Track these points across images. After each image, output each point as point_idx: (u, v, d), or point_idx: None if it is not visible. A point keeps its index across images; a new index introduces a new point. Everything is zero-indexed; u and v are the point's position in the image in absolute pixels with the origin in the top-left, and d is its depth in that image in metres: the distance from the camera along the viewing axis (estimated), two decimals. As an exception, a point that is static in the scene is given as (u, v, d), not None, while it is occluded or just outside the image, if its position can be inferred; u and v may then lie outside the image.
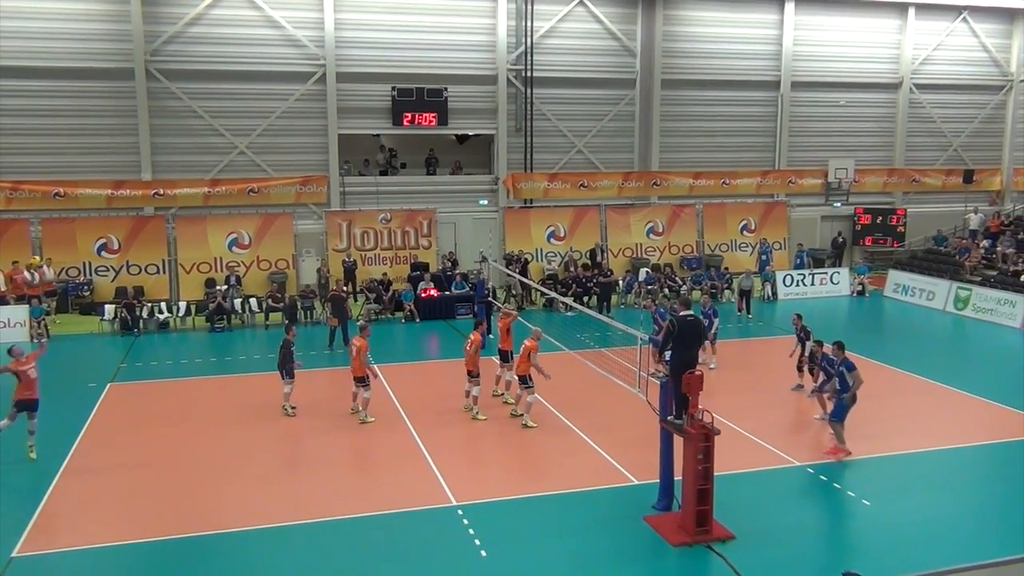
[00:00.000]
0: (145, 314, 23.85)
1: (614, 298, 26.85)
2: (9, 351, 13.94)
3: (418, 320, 24.94)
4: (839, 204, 33.51)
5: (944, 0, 32.66)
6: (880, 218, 33.52)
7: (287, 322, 22.75)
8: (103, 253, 26.25)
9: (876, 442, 14.29)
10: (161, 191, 26.64)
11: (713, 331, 18.85)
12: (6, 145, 25.36)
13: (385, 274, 27.19)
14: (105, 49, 25.69)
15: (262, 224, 27.55)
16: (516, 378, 15.71)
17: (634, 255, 30.81)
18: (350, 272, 27.31)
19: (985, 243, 29.70)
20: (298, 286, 27.06)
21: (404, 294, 25.57)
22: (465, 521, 11.47)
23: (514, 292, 26.85)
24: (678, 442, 11.35)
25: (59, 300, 25.08)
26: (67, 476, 13.13)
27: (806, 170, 32.97)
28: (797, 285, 29.02)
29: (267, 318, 24.39)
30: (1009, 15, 34.12)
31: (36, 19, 24.93)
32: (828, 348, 14.81)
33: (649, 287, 27.18)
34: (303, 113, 27.68)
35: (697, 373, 11.01)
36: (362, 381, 15.34)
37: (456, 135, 30.76)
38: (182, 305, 24.87)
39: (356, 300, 26.48)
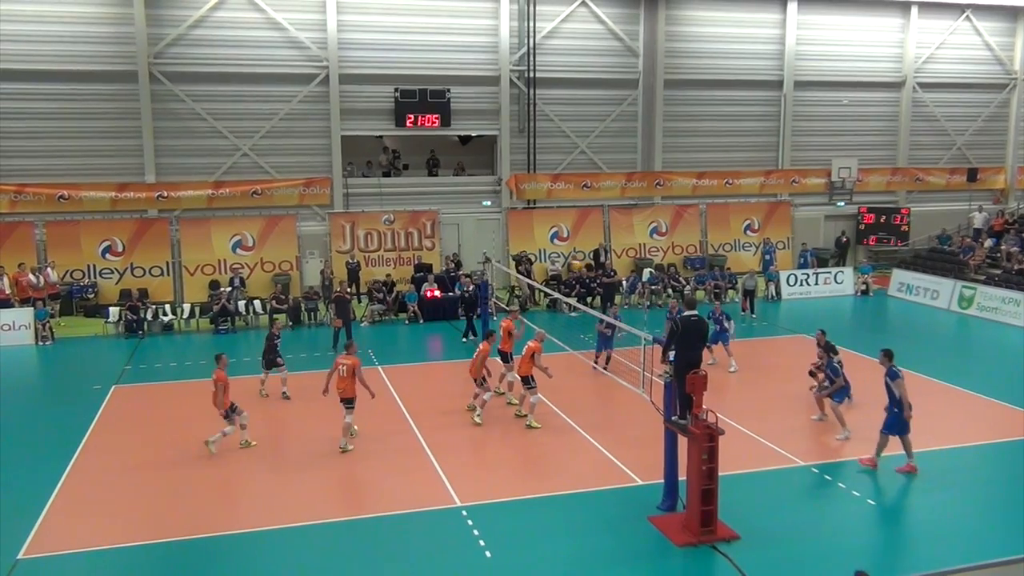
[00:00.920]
0: (149, 316, 23.89)
1: (617, 298, 26.82)
2: None
3: (422, 321, 24.97)
4: (843, 203, 33.46)
5: (947, -1, 32.69)
6: (884, 217, 33.46)
7: (273, 317, 23.38)
8: (107, 255, 26.30)
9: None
10: (165, 193, 26.70)
11: (730, 333, 19.24)
12: (10, 148, 25.43)
13: (389, 275, 27.21)
14: (108, 52, 25.76)
15: (266, 226, 27.59)
16: (519, 379, 15.72)
17: (637, 255, 30.80)
18: (354, 273, 27.34)
19: (989, 242, 29.64)
20: (302, 288, 27.09)
21: (408, 295, 25.60)
22: (470, 522, 11.48)
23: (517, 293, 26.87)
24: (682, 442, 11.35)
25: (64, 302, 25.16)
26: (72, 478, 13.17)
27: (809, 169, 32.93)
28: (801, 285, 28.99)
29: (271, 320, 24.38)
30: (1012, 13, 34.04)
31: (39, 23, 25.00)
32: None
33: (652, 287, 27.18)
34: (306, 115, 27.72)
35: (701, 373, 11.01)
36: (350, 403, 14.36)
37: (459, 136, 30.78)
38: (186, 307, 24.92)
39: (360, 302, 26.53)
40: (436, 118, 28.30)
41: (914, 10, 32.68)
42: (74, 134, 25.93)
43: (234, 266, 26.94)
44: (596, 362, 18.89)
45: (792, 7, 31.34)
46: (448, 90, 28.34)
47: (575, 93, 29.98)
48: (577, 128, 30.31)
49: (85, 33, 25.47)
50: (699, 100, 31.27)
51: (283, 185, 27.73)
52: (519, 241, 29.68)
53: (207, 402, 17.03)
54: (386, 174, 29.94)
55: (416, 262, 28.45)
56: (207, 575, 10.35)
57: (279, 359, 17.14)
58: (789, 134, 32.36)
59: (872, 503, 12.09)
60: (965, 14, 33.38)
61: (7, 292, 23.82)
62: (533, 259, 29.09)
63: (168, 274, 26.80)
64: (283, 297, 24.92)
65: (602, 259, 29.46)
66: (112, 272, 26.31)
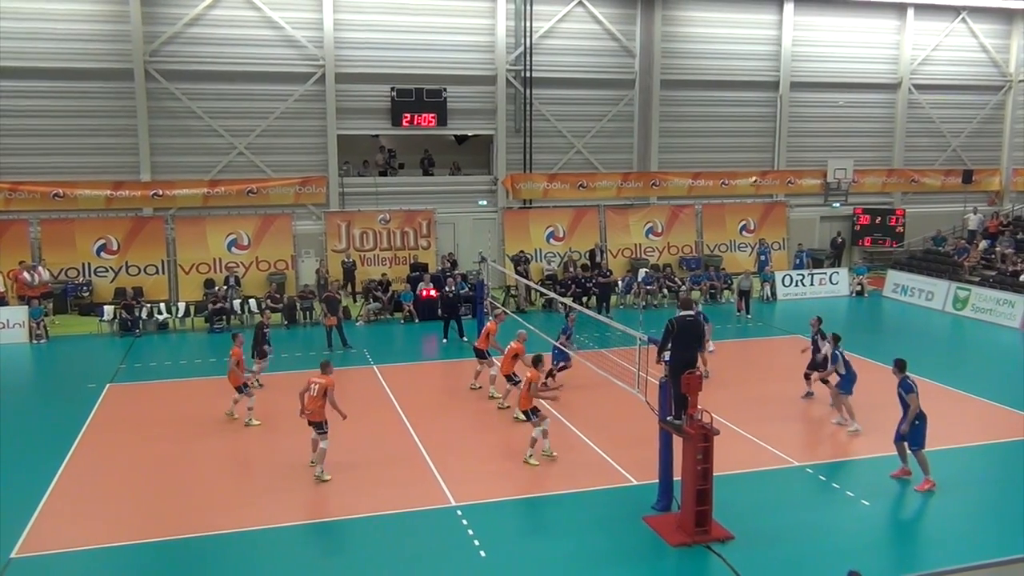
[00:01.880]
0: (144, 315, 23.84)
1: (613, 298, 26.86)
2: None
3: (417, 320, 24.96)
4: (838, 204, 33.53)
5: (943, 0, 32.68)
6: (879, 218, 33.53)
7: (264, 308, 23.45)
8: (102, 254, 26.24)
9: (875, 442, 14.28)
10: (160, 192, 26.63)
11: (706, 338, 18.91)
12: (5, 146, 25.34)
13: (384, 275, 27.19)
14: (104, 50, 25.68)
15: (261, 225, 27.54)
16: (502, 376, 15.89)
17: (633, 255, 30.82)
18: (349, 273, 27.32)
19: (984, 243, 29.72)
20: (297, 287, 27.05)
21: (403, 295, 25.58)
22: (464, 521, 11.48)
23: (513, 293, 26.87)
24: (677, 442, 11.36)
25: (58, 301, 25.07)
26: (66, 477, 13.14)
27: (805, 170, 32.98)
28: (796, 285, 29.03)
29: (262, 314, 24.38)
30: (1008, 15, 34.15)
31: (35, 20, 24.91)
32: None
33: (648, 287, 27.20)
34: (302, 114, 27.68)
35: (696, 373, 11.03)
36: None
37: (455, 136, 30.77)
38: (181, 306, 24.87)
39: (356, 301, 26.49)
40: (432, 117, 28.28)
41: (910, 12, 32.75)
42: (69, 132, 25.85)
43: (229, 265, 26.90)
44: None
45: (788, 8, 31.39)
46: (444, 89, 28.32)
47: (571, 93, 29.98)
48: (573, 128, 30.31)
49: (80, 31, 25.40)
50: (695, 100, 31.29)
51: (279, 184, 27.68)
52: (515, 241, 29.67)
53: (202, 401, 17.13)
54: (382, 173, 29.91)
55: (412, 261, 28.45)
56: (200, 575, 10.33)
57: (267, 347, 17.78)
58: (785, 135, 32.42)
59: (866, 503, 12.11)
60: (961, 16, 33.46)
61: (2, 290, 23.76)
62: (530, 259, 29.10)
63: (163, 272, 26.73)
64: (278, 296, 24.88)
65: (598, 259, 29.48)
66: (107, 270, 26.24)
